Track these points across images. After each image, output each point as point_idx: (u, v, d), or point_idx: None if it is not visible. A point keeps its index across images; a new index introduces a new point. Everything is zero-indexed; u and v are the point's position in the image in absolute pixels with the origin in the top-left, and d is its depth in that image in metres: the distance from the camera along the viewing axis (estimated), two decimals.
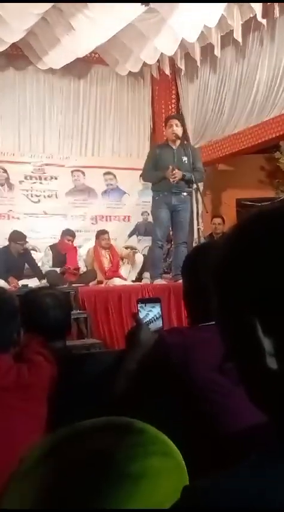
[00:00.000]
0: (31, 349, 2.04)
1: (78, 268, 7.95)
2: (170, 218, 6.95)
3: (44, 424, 1.85)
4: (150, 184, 7.32)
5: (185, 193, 6.90)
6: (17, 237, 7.88)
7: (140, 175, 7.35)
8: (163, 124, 7.45)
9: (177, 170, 6.65)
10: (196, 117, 9.66)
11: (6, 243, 7.96)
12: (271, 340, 0.67)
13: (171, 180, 6.64)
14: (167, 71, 9.66)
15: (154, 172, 6.90)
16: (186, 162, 6.81)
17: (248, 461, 0.65)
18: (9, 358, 1.94)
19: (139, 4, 6.63)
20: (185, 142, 7.15)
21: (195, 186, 6.91)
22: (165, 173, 6.68)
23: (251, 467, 0.64)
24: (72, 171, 9.56)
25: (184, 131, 8.79)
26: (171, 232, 7.44)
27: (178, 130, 6.96)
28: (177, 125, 7.01)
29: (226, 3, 7.21)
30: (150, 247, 7.46)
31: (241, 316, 0.69)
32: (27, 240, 8.21)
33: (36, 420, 1.84)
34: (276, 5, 7.24)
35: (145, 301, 2.14)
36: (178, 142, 6.98)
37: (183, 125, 7.45)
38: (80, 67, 9.47)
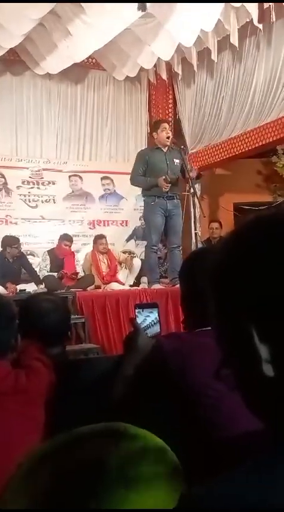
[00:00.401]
0: (29, 355, 2.04)
1: (76, 273, 7.95)
2: (164, 222, 6.96)
3: (42, 429, 1.84)
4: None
5: (177, 198, 6.94)
6: (10, 241, 7.87)
7: (130, 179, 7.29)
8: (153, 128, 7.40)
9: (167, 180, 6.66)
10: (193, 122, 9.67)
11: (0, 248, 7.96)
12: (268, 347, 0.67)
13: (164, 190, 6.67)
14: (164, 76, 9.67)
15: (144, 178, 6.90)
16: (178, 164, 6.86)
17: (244, 467, 0.65)
18: (6, 364, 1.93)
19: (135, 9, 6.63)
20: (173, 146, 7.16)
21: (191, 190, 6.93)
22: (157, 181, 6.70)
23: (248, 473, 0.64)
24: (69, 176, 9.57)
25: (181, 136, 8.85)
26: (162, 237, 7.45)
27: (170, 135, 7.04)
28: (170, 129, 7.09)
29: (222, 8, 7.21)
30: (145, 252, 7.43)
31: (237, 322, 0.69)
32: (24, 244, 8.23)
33: (34, 425, 1.84)
34: (272, 9, 7.25)
35: (142, 306, 2.14)
36: (167, 146, 7.03)
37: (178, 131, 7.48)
38: (77, 72, 9.47)
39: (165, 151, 7.01)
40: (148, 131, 10.28)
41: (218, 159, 9.21)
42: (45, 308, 2.36)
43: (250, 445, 1.01)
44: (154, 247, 7.06)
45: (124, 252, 8.96)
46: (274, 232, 0.71)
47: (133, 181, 7.24)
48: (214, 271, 0.76)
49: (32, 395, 1.87)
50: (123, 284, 8.09)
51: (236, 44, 7.98)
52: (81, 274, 8.16)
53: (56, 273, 7.82)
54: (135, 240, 9.78)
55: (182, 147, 7.44)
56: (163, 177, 6.69)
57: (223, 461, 1.28)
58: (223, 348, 0.75)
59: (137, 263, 8.47)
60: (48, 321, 2.30)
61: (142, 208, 9.45)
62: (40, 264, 8.25)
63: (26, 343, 2.18)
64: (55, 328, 2.28)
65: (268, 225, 0.73)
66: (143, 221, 9.51)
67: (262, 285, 0.68)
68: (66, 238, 8.23)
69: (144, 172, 6.94)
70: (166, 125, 7.17)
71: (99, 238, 8.41)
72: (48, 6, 6.75)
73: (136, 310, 2.08)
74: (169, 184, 6.70)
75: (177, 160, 6.89)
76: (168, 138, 6.98)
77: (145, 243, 8.99)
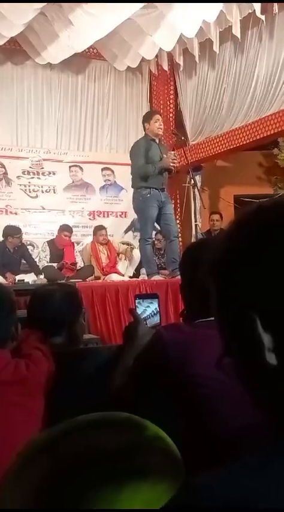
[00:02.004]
0: (29, 345, 2.04)
1: (74, 263, 7.95)
2: (157, 214, 6.98)
3: (41, 418, 1.84)
4: None
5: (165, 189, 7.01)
6: (12, 231, 7.88)
7: (134, 172, 7.17)
8: (145, 119, 7.37)
9: (172, 155, 6.71)
10: (194, 113, 9.65)
11: (1, 238, 7.96)
12: (271, 335, 0.67)
13: (170, 165, 6.69)
14: (165, 67, 9.65)
15: (151, 165, 6.86)
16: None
17: (245, 459, 0.65)
18: (7, 353, 1.93)
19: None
20: (161, 140, 7.22)
21: (192, 181, 6.94)
22: (163, 163, 6.72)
23: (249, 465, 0.64)
24: (70, 167, 9.55)
25: (182, 127, 8.84)
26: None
27: (162, 127, 7.06)
28: (161, 121, 7.11)
29: None
30: (140, 245, 7.38)
31: (240, 311, 0.69)
32: (24, 234, 8.24)
33: (34, 415, 1.84)
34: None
35: (142, 297, 2.14)
36: (157, 139, 7.05)
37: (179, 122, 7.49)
38: (78, 62, 9.44)
39: (157, 143, 7.04)
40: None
41: (219, 151, 9.19)
42: (48, 297, 2.37)
43: (251, 437, 1.00)
44: (150, 240, 7.07)
45: (123, 243, 8.96)
46: (275, 221, 0.71)
47: (141, 172, 6.93)
48: (216, 261, 0.75)
49: (32, 385, 1.87)
50: (123, 275, 8.09)
51: (239, 35, 7.95)
52: (81, 265, 8.16)
53: (56, 264, 7.82)
54: (133, 232, 9.78)
55: (183, 138, 7.43)
56: (165, 155, 6.74)
57: (223, 453, 1.29)
58: (225, 337, 0.75)
59: (137, 254, 8.47)
60: (48, 309, 2.30)
61: None
62: (40, 255, 8.25)
63: (26, 333, 2.18)
64: (54, 317, 2.28)
65: (269, 215, 0.73)
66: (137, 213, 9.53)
67: (264, 273, 0.68)
68: (66, 229, 8.23)
69: (146, 162, 6.93)
70: (159, 117, 7.17)
71: (99, 229, 8.41)
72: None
73: (137, 301, 2.08)
74: (176, 159, 6.76)
75: (176, 155, 6.92)
76: (159, 129, 6.99)
77: None
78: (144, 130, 7.25)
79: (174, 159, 6.71)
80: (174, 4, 7.26)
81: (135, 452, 0.83)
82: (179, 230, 7.24)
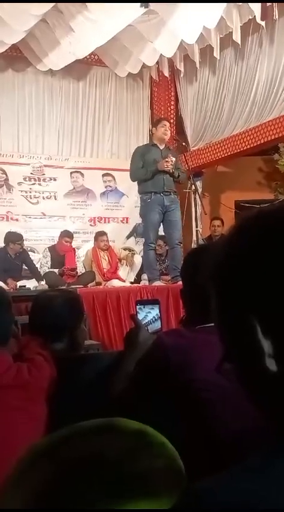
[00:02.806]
0: (31, 350, 2.04)
1: (73, 269, 7.94)
2: (161, 219, 6.96)
3: (43, 424, 1.84)
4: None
5: (174, 193, 6.95)
6: (13, 238, 7.89)
7: (130, 177, 7.27)
8: (154, 124, 7.43)
9: (170, 158, 6.71)
10: (195, 119, 9.68)
11: (3, 244, 7.97)
12: (271, 341, 0.67)
13: (164, 167, 6.68)
14: (166, 73, 9.68)
15: (144, 169, 6.89)
16: (174, 161, 6.87)
17: (247, 463, 0.65)
18: (8, 356, 1.93)
19: (138, 6, 6.62)
20: (168, 145, 7.19)
21: (193, 187, 6.93)
22: (157, 166, 6.73)
23: (250, 468, 0.64)
24: (71, 173, 9.57)
25: (183, 133, 8.84)
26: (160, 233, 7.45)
27: (168, 133, 7.06)
28: (168, 128, 7.12)
29: (225, 5, 7.20)
30: (143, 250, 7.41)
31: (241, 317, 0.69)
32: (25, 240, 8.24)
33: (35, 420, 1.83)
34: (275, 7, 7.24)
35: (144, 302, 2.14)
36: (163, 144, 7.05)
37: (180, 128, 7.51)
38: (79, 68, 9.47)
39: (161, 148, 7.03)
40: (150, 128, 10.28)
41: (220, 157, 9.21)
42: (50, 303, 2.38)
43: (252, 441, 1.01)
44: (152, 245, 7.05)
45: (124, 249, 8.96)
46: (276, 226, 0.71)
47: (134, 176, 7.16)
48: (217, 266, 0.76)
49: (34, 389, 1.86)
50: (124, 281, 8.09)
51: (239, 42, 7.98)
52: (82, 270, 8.16)
53: (57, 270, 7.82)
54: (135, 237, 9.79)
55: (184, 144, 7.44)
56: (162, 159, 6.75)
57: (225, 458, 1.29)
58: (225, 342, 0.75)
59: (138, 260, 8.48)
60: (50, 315, 2.31)
61: None
62: (41, 261, 8.25)
63: (27, 338, 2.19)
64: (55, 323, 2.28)
65: (269, 221, 0.73)
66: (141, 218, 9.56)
67: (264, 279, 0.68)
68: (67, 235, 8.23)
69: (142, 167, 6.95)
70: (166, 123, 7.19)
71: (100, 235, 8.41)
72: (51, 2, 6.74)
73: (138, 307, 2.08)
74: (171, 161, 6.73)
75: (173, 158, 6.90)
76: (164, 135, 7.00)
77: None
78: (152, 135, 7.28)
79: (167, 162, 6.70)
80: (175, 10, 7.28)
81: (136, 458, 0.83)
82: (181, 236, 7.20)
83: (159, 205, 6.86)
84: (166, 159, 6.72)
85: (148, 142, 9.81)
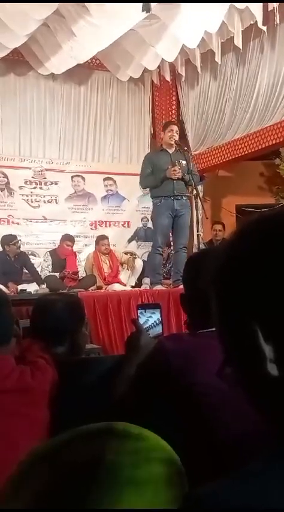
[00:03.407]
0: (33, 353, 2.04)
1: (75, 273, 7.94)
2: (171, 224, 6.96)
3: (45, 428, 1.83)
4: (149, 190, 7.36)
5: (186, 197, 6.93)
6: (8, 239, 7.90)
7: (139, 183, 7.34)
8: (162, 128, 7.48)
9: (177, 166, 6.70)
10: (196, 123, 9.69)
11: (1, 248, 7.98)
12: (272, 346, 0.67)
13: (172, 176, 6.69)
14: (168, 77, 9.69)
15: (153, 176, 6.92)
16: (184, 165, 6.86)
17: (249, 468, 0.65)
18: (10, 359, 1.93)
19: (140, 10, 6.63)
20: (179, 148, 7.17)
21: (194, 191, 6.93)
22: (166, 173, 6.73)
23: (252, 473, 0.64)
24: (72, 177, 9.58)
25: (184, 137, 8.83)
26: (171, 238, 7.45)
27: (176, 137, 7.04)
28: (176, 132, 7.09)
29: (226, 10, 7.21)
30: (149, 253, 7.44)
31: (242, 322, 0.69)
32: (26, 244, 8.26)
33: (37, 424, 1.82)
34: (277, 11, 7.26)
35: (145, 307, 2.14)
36: (173, 148, 7.04)
37: (182, 132, 7.51)
38: (81, 73, 9.49)
39: (170, 152, 7.03)
40: (151, 132, 10.31)
41: (221, 161, 9.22)
42: (51, 307, 2.38)
43: (254, 446, 1.00)
44: (159, 249, 7.06)
45: (126, 253, 8.96)
46: (277, 231, 0.71)
47: (143, 184, 7.27)
48: (218, 271, 0.76)
49: (37, 393, 1.86)
50: (125, 285, 8.09)
51: (240, 46, 7.99)
52: (83, 274, 8.16)
53: (58, 273, 7.82)
54: (137, 241, 9.80)
55: (185, 148, 7.45)
56: (169, 166, 6.74)
57: (226, 462, 1.28)
58: (227, 347, 0.75)
59: (139, 264, 8.48)
60: (51, 319, 2.31)
61: (144, 209, 9.54)
62: (42, 264, 8.26)
63: (29, 342, 2.18)
64: (56, 327, 2.28)
65: (270, 225, 0.73)
66: (145, 222, 9.58)
67: (265, 284, 0.68)
68: (68, 239, 8.23)
69: (152, 173, 6.97)
70: (173, 127, 7.18)
71: (101, 239, 8.42)
72: (53, 6, 6.75)
73: (139, 311, 2.08)
74: (179, 169, 6.72)
75: (183, 162, 6.90)
76: (171, 139, 7.00)
77: (147, 244, 9.04)
78: (161, 140, 7.40)
79: (174, 171, 6.71)
80: (176, 15, 7.29)
81: (136, 462, 0.82)
82: (187, 241, 7.20)
83: (169, 209, 6.87)
84: (174, 168, 6.72)
85: (149, 146, 9.88)
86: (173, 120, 9.68)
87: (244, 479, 0.63)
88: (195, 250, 7.50)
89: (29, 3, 6.61)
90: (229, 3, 7.07)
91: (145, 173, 7.04)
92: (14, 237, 8.00)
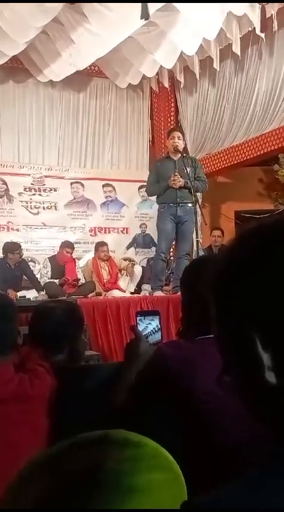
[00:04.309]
0: (32, 361, 2.03)
1: (76, 280, 7.94)
2: (175, 230, 6.97)
3: (45, 437, 1.83)
4: (153, 197, 7.41)
5: (190, 205, 6.93)
6: (12, 247, 7.88)
7: (146, 191, 7.41)
8: (166, 136, 7.51)
9: (177, 176, 6.71)
10: (195, 130, 9.71)
11: (2, 255, 7.97)
12: (270, 354, 0.67)
13: (173, 185, 6.70)
14: (166, 84, 9.71)
15: (157, 184, 6.95)
16: (189, 172, 6.85)
17: (248, 476, 0.65)
18: (9, 367, 1.93)
19: (138, 17, 6.64)
20: (185, 155, 7.18)
21: (194, 198, 6.93)
22: (168, 181, 6.75)
23: (252, 482, 0.64)
24: (71, 183, 9.58)
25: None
26: (173, 244, 7.46)
27: (180, 143, 7.04)
28: (179, 138, 7.10)
29: (225, 17, 7.23)
30: (153, 258, 7.46)
31: (240, 330, 0.69)
32: (25, 251, 8.24)
33: (37, 432, 1.82)
34: (275, 18, 7.28)
35: (144, 313, 2.14)
36: (179, 154, 7.03)
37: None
38: (80, 80, 9.51)
39: (175, 159, 7.02)
40: (150, 139, 10.33)
41: (220, 167, 9.24)
42: (50, 313, 2.38)
43: (252, 453, 1.00)
44: (162, 255, 7.05)
45: (124, 260, 8.97)
46: (276, 239, 0.71)
47: (149, 192, 7.35)
48: (216, 279, 0.76)
49: (36, 401, 1.85)
50: (124, 291, 8.09)
51: (239, 53, 8.00)
52: (82, 281, 8.16)
53: (57, 280, 7.82)
54: (135, 248, 9.80)
55: (184, 155, 7.45)
56: (172, 174, 6.76)
57: (225, 466, 1.28)
58: (225, 355, 0.75)
59: (138, 270, 8.48)
60: (50, 326, 2.31)
61: (143, 216, 9.56)
62: (41, 271, 8.25)
63: (27, 350, 2.18)
64: (55, 334, 2.28)
65: (269, 232, 0.73)
66: (143, 229, 9.59)
67: (264, 292, 0.68)
68: (68, 245, 8.23)
69: (157, 181, 7.01)
70: (176, 134, 7.16)
71: (100, 246, 8.42)
72: (52, 14, 6.77)
73: (138, 318, 2.08)
74: (180, 178, 6.73)
75: (187, 169, 6.88)
76: (173, 146, 7.00)
77: (145, 250, 9.06)
78: (166, 148, 7.46)
79: (175, 180, 6.72)
80: (175, 22, 7.32)
81: (135, 470, 0.82)
82: (190, 248, 7.21)
83: (172, 216, 6.88)
84: (174, 178, 6.73)
85: (147, 152, 9.90)
86: (173, 126, 9.70)
87: (243, 486, 0.63)
88: (194, 256, 7.49)
89: (27, 10, 6.61)
90: (228, 11, 7.07)
91: (151, 181, 7.10)
92: (19, 245, 7.99)
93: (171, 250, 8.06)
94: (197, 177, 6.94)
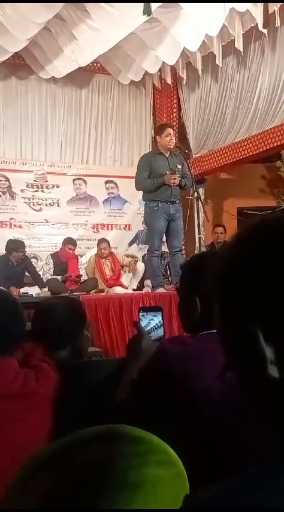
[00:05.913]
0: (36, 357, 2.04)
1: (78, 276, 7.94)
2: (166, 227, 6.95)
3: (48, 433, 1.83)
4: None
5: (179, 202, 6.93)
6: (16, 245, 7.88)
7: (135, 186, 7.23)
8: (158, 132, 7.38)
9: (177, 174, 6.69)
10: (197, 126, 9.70)
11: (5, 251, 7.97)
12: (273, 348, 0.67)
13: (171, 183, 6.67)
14: (169, 80, 9.71)
15: (150, 180, 6.87)
16: (180, 169, 6.85)
17: (250, 472, 0.65)
18: (15, 363, 1.93)
19: (141, 13, 6.63)
20: (175, 151, 7.13)
21: (195, 194, 6.92)
22: (164, 179, 6.70)
23: (253, 477, 0.64)
24: (73, 180, 9.59)
25: (185, 140, 8.83)
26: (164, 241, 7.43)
27: (174, 141, 7.01)
28: (174, 134, 7.07)
29: (227, 13, 7.21)
30: (147, 257, 7.42)
31: (243, 324, 0.69)
32: (28, 247, 8.25)
33: (40, 428, 1.83)
34: (277, 14, 7.26)
35: (146, 309, 2.14)
36: (169, 152, 7.00)
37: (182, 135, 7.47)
38: (82, 76, 9.51)
39: (167, 156, 6.99)
40: (153, 135, 10.30)
41: (222, 164, 9.23)
42: (52, 310, 2.38)
43: (255, 449, 1.00)
44: (156, 252, 7.04)
45: (127, 256, 8.96)
46: (278, 234, 0.71)
47: (140, 186, 7.11)
48: (219, 274, 0.76)
49: (41, 398, 1.86)
50: (127, 288, 8.09)
51: (241, 49, 7.99)
52: (85, 277, 8.16)
53: (60, 277, 7.82)
54: (138, 244, 9.80)
55: (186, 151, 7.43)
56: (168, 172, 6.72)
57: (227, 464, 1.28)
58: (228, 350, 0.75)
59: (141, 267, 8.47)
60: (52, 323, 2.31)
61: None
62: (43, 268, 8.26)
63: (32, 346, 2.18)
64: (58, 331, 2.28)
65: (271, 228, 0.73)
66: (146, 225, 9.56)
67: (266, 286, 0.68)
68: (70, 242, 8.23)
69: (148, 176, 6.93)
70: (170, 130, 7.09)
71: (100, 243, 8.41)
72: (54, 10, 6.76)
73: (140, 314, 2.08)
74: (178, 176, 6.70)
75: (179, 166, 6.88)
76: (170, 143, 6.94)
77: (147, 247, 9.01)
78: (156, 143, 7.25)
79: (174, 179, 6.69)
80: (177, 18, 7.31)
81: (138, 465, 0.82)
82: (183, 243, 7.19)
83: (165, 213, 6.85)
84: (174, 177, 6.69)
85: (150, 149, 9.87)
86: (173, 122, 9.68)
87: (244, 482, 0.63)
88: (196, 252, 7.49)
89: (29, 6, 6.60)
90: (230, 7, 7.06)
91: (142, 176, 6.94)
92: (22, 243, 8.00)
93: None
94: (184, 174, 6.91)
